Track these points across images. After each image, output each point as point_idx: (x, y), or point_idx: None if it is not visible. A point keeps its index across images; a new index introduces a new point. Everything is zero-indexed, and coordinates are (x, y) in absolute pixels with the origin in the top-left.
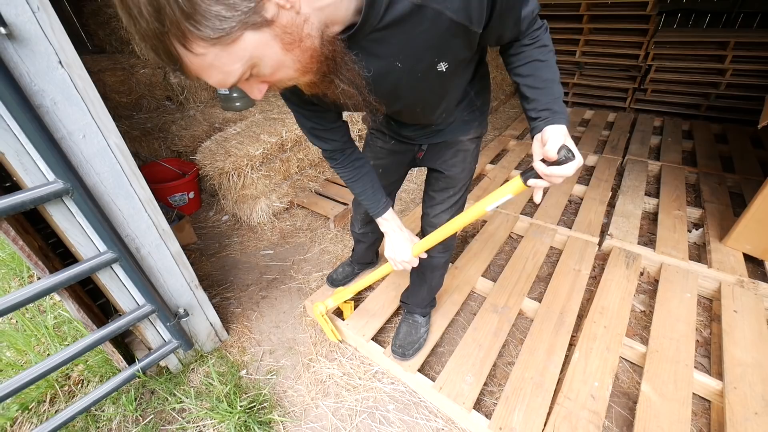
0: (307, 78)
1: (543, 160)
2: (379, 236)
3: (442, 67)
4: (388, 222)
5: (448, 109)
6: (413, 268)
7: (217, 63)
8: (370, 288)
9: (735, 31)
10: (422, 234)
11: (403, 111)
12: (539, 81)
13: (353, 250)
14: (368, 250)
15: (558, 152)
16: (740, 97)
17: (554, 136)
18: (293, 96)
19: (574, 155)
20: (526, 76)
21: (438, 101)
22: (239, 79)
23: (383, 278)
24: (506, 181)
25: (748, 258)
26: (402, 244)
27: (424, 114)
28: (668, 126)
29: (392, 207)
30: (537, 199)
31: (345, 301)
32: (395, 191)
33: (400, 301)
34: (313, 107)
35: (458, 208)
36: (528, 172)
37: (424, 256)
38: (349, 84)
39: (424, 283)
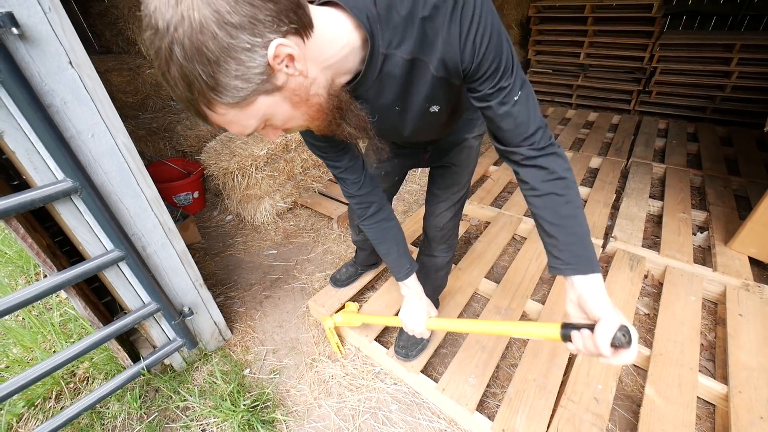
0: (316, 124)
1: (589, 326)
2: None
3: (435, 109)
4: (410, 289)
5: (448, 130)
6: (418, 272)
7: (236, 120)
8: (373, 288)
9: (741, 34)
10: (425, 236)
11: (405, 143)
12: (557, 217)
13: (356, 253)
14: (371, 255)
15: (613, 338)
16: (746, 99)
17: (597, 302)
18: (308, 136)
19: (630, 339)
20: (541, 208)
21: (437, 132)
22: (256, 130)
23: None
24: (509, 182)
25: (753, 261)
26: (419, 314)
27: (427, 139)
28: (673, 128)
29: (414, 274)
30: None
31: (347, 305)
32: (395, 193)
33: None
34: (325, 145)
35: (461, 205)
36: (570, 326)
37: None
38: (355, 128)
39: (428, 283)
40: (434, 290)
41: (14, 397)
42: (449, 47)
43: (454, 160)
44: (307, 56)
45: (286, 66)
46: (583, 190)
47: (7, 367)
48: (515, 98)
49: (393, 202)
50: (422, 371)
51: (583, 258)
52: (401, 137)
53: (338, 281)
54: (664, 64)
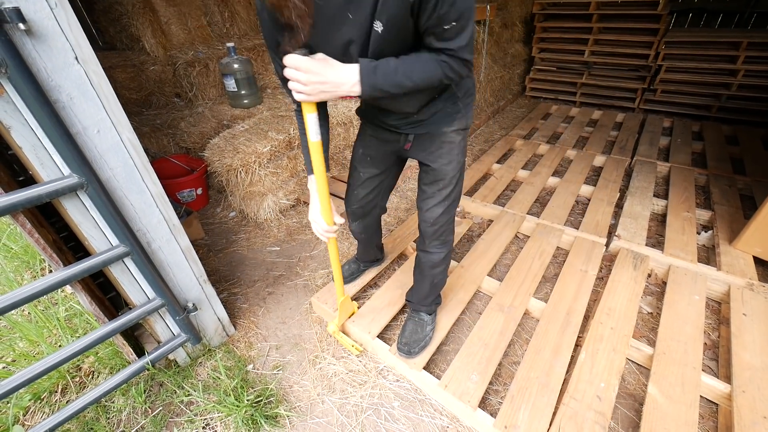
0: None
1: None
2: (374, 233)
3: (378, 27)
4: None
5: (418, 97)
6: (415, 268)
7: None
8: (375, 286)
9: (748, 32)
10: (419, 232)
11: (376, 107)
12: (404, 60)
13: (357, 248)
14: (368, 247)
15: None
16: (752, 98)
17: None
18: (270, 40)
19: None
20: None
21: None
22: None
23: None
24: (512, 181)
25: (758, 261)
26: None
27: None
28: (678, 127)
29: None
30: None
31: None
32: (388, 189)
33: (406, 299)
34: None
35: (451, 201)
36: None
37: (341, 221)
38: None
39: (425, 280)
40: (432, 287)
41: (21, 391)
42: None
43: (435, 155)
44: None
45: None
46: (587, 189)
47: (14, 360)
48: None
49: (395, 200)
50: (425, 368)
51: (373, 67)
52: (338, 53)
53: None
54: (669, 62)
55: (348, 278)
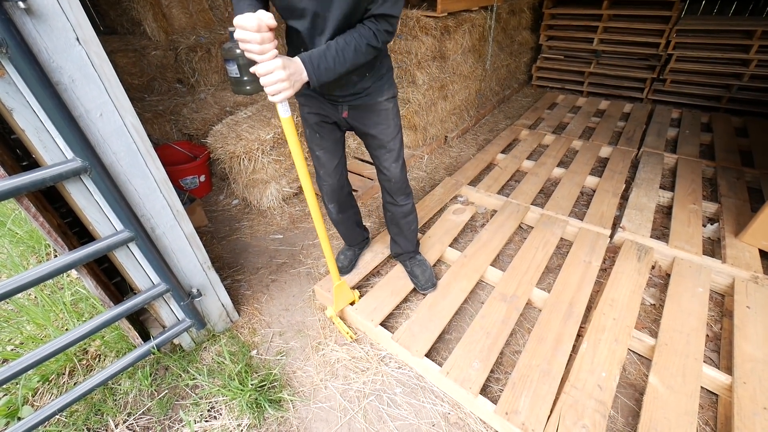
0: None
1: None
2: (351, 209)
3: None
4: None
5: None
6: (390, 225)
7: None
8: (378, 274)
9: (762, 20)
10: (384, 191)
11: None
12: (334, 46)
13: (342, 234)
14: (350, 228)
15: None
16: (764, 89)
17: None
18: None
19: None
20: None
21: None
22: None
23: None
24: (517, 171)
25: (763, 254)
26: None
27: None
28: (687, 118)
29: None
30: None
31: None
32: (344, 164)
33: (394, 256)
34: None
35: (399, 157)
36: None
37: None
38: None
39: (403, 231)
40: (412, 233)
41: (29, 372)
42: None
43: (374, 122)
44: None
45: None
46: (592, 180)
47: (22, 343)
48: None
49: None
50: (426, 356)
51: (312, 60)
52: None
53: (342, 269)
54: (680, 51)
55: (348, 267)
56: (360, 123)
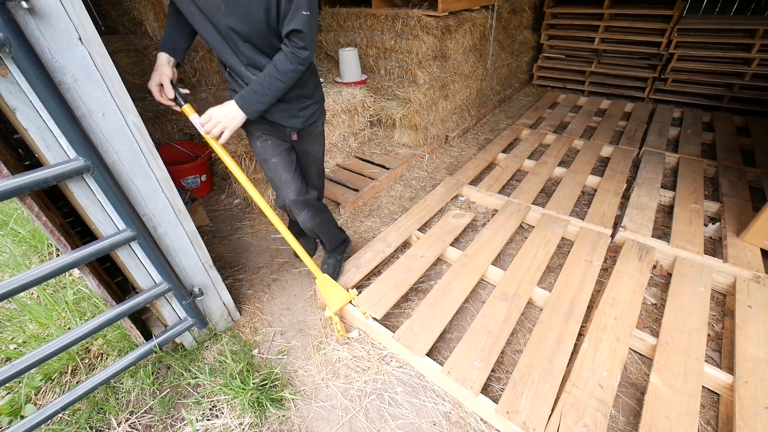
0: None
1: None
2: (329, 217)
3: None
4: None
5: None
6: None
7: None
8: (379, 272)
9: (764, 19)
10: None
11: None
12: (257, 80)
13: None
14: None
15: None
16: (766, 88)
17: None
18: None
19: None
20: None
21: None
22: None
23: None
24: (518, 170)
25: (765, 254)
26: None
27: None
28: (688, 117)
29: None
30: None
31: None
32: (299, 169)
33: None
34: None
35: (322, 169)
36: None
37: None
38: None
39: (328, 230)
40: (332, 237)
41: (32, 371)
42: None
43: (314, 143)
44: None
45: None
46: (593, 179)
47: (24, 342)
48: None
49: (399, 188)
50: (428, 355)
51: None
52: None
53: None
54: (682, 50)
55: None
56: (304, 143)
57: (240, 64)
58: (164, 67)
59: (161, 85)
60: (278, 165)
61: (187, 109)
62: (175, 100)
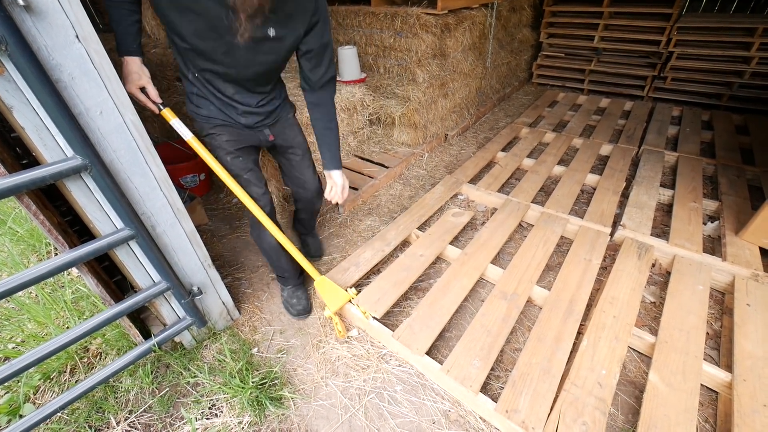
0: None
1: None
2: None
3: (272, 32)
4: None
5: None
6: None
7: None
8: (378, 271)
9: (764, 17)
10: (307, 202)
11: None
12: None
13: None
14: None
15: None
16: (765, 86)
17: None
18: None
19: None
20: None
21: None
22: None
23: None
24: (517, 169)
25: (764, 252)
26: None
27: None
28: (687, 116)
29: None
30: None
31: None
32: (257, 173)
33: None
34: None
35: (312, 161)
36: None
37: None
38: None
39: (314, 227)
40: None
41: (31, 370)
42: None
43: (292, 135)
44: None
45: None
46: (593, 178)
47: (23, 341)
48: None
49: (398, 187)
50: (427, 353)
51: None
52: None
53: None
54: (681, 49)
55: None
56: (283, 140)
57: (234, 91)
58: (142, 69)
59: (142, 88)
60: (250, 179)
61: (167, 113)
62: (154, 103)
